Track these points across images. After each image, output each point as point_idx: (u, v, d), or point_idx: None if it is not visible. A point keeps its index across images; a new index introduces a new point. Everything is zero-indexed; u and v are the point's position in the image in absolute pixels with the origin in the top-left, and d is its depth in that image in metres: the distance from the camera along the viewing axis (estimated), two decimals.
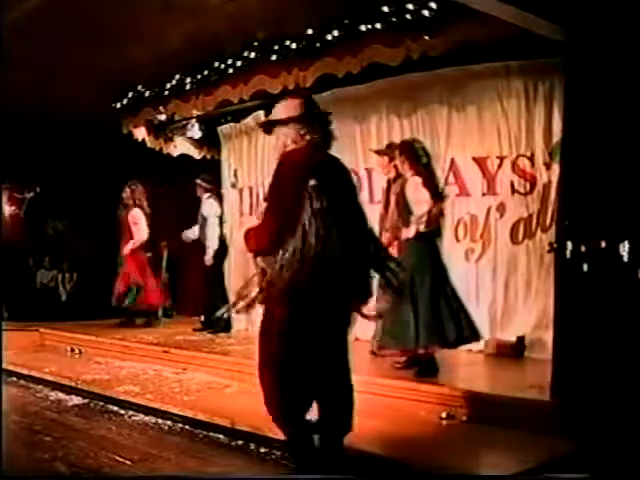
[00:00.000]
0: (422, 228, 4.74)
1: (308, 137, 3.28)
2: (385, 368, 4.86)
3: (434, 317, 4.68)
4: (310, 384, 3.21)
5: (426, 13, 5.02)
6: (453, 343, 4.82)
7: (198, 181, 7.53)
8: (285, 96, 3.56)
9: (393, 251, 5.28)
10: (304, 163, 3.21)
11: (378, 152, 5.93)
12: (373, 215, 5.97)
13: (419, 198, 4.79)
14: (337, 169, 3.36)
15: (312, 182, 3.14)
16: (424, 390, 4.26)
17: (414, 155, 4.95)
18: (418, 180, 4.82)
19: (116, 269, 7.88)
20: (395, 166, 5.38)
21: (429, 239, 4.89)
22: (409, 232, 4.82)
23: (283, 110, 3.36)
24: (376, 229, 5.76)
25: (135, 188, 7.78)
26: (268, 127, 3.43)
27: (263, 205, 3.33)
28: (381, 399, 4.37)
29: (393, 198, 5.31)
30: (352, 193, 3.42)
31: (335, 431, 3.29)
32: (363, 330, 6.25)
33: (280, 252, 3.08)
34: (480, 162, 5.85)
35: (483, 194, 5.87)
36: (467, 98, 5.88)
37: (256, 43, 6.16)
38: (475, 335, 4.89)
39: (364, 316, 3.39)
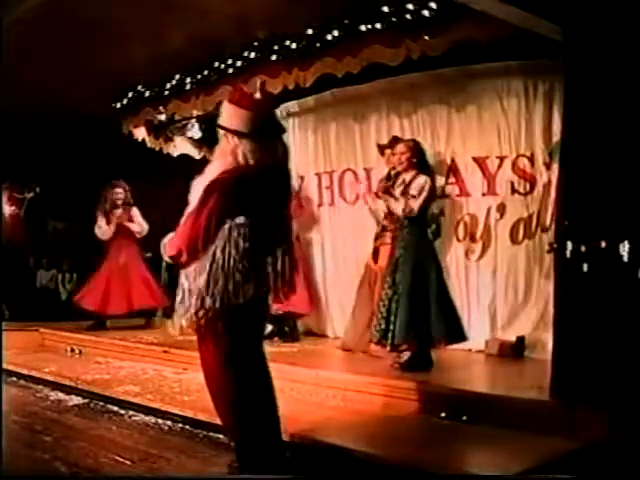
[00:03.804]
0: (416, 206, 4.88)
1: (252, 158, 3.05)
2: (384, 368, 4.86)
3: (438, 313, 4.76)
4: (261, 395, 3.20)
5: (426, 13, 5.02)
6: (446, 341, 4.93)
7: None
8: (234, 100, 3.22)
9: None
10: (241, 193, 3.01)
11: (384, 146, 5.95)
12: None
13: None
14: (277, 190, 3.16)
15: (241, 219, 3.02)
16: (424, 390, 4.25)
17: (422, 155, 5.03)
18: (427, 178, 4.93)
19: None
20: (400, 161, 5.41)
21: (425, 235, 5.03)
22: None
23: (232, 118, 3.13)
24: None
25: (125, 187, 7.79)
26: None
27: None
28: (380, 399, 4.37)
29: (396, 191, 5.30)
30: (283, 216, 3.23)
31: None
32: None
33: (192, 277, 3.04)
34: (480, 162, 5.85)
35: (483, 194, 5.88)
36: (467, 98, 5.88)
37: (256, 43, 6.17)
38: (462, 335, 4.95)
39: None
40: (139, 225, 7.69)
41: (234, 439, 3.31)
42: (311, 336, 6.78)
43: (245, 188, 3.05)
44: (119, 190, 7.71)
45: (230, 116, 3.17)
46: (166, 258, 3.19)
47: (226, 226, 3.03)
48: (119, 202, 7.70)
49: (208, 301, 3.02)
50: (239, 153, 3.08)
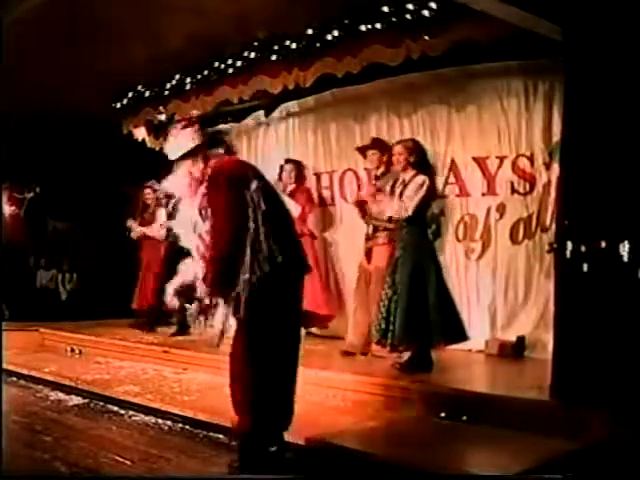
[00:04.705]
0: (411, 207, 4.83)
1: (216, 155, 3.40)
2: (384, 368, 4.86)
3: (438, 313, 4.76)
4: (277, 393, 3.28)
5: (426, 13, 5.03)
6: (446, 341, 4.91)
7: None
8: (177, 126, 3.72)
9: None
10: (241, 168, 3.35)
11: (365, 148, 5.95)
12: None
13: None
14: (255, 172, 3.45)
15: (255, 184, 3.21)
16: (424, 390, 4.26)
17: (422, 155, 5.02)
18: (425, 179, 4.89)
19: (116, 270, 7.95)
20: (385, 162, 5.41)
21: (425, 235, 5.02)
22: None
23: (186, 142, 3.52)
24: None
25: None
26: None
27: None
28: (381, 399, 4.37)
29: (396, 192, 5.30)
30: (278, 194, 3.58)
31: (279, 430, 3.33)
32: None
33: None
34: (480, 162, 5.86)
35: (483, 194, 5.88)
36: (467, 98, 5.88)
37: (256, 43, 6.17)
38: (462, 335, 4.94)
39: None
40: (157, 230, 7.52)
41: (241, 430, 3.32)
42: (311, 336, 6.78)
43: (236, 166, 3.35)
44: (148, 190, 7.73)
45: (180, 143, 3.60)
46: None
47: (247, 197, 3.17)
48: (149, 202, 7.75)
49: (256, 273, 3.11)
50: (206, 156, 3.40)
